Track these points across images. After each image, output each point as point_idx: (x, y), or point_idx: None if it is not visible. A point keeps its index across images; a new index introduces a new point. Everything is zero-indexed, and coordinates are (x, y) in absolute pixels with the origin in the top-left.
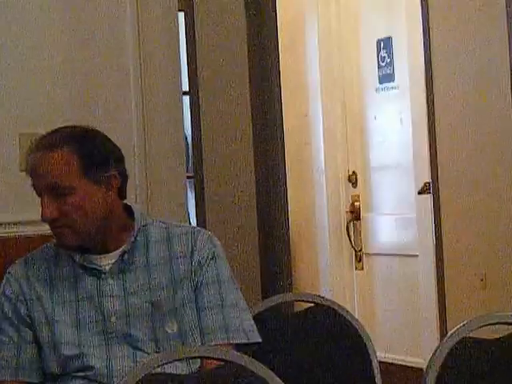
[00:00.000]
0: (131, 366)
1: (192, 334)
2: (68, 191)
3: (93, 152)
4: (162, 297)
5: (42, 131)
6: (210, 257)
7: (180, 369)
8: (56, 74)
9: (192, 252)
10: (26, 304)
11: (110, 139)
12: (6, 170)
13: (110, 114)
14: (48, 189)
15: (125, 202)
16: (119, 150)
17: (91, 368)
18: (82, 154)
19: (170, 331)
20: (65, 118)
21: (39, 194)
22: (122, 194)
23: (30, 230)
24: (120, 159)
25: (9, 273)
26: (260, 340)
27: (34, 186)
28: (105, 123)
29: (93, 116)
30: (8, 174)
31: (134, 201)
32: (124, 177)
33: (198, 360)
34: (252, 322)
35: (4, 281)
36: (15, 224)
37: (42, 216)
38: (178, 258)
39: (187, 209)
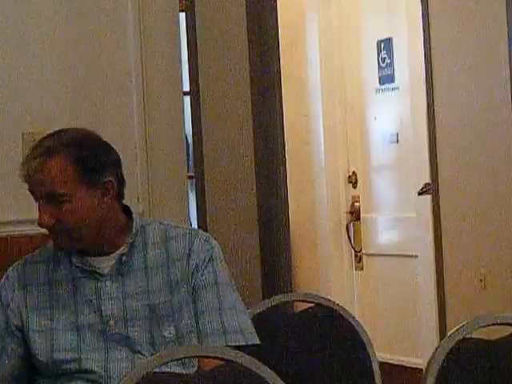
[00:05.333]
0: (129, 369)
1: (189, 338)
2: (64, 198)
3: (88, 158)
4: (159, 300)
5: (44, 131)
6: (207, 259)
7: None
8: (58, 74)
9: (189, 254)
10: (18, 314)
11: (105, 142)
12: (9, 168)
13: (111, 114)
14: (45, 196)
15: (123, 202)
16: (115, 154)
17: (88, 371)
18: (78, 161)
19: (167, 334)
20: (66, 118)
21: (36, 200)
22: (119, 197)
23: (31, 229)
24: (116, 163)
25: (6, 277)
26: (258, 342)
27: (31, 191)
28: (106, 124)
29: (94, 116)
30: (10, 173)
31: (136, 201)
32: (121, 180)
33: (195, 363)
34: (250, 323)
35: (1, 284)
36: (17, 223)
37: (38, 223)
38: (175, 261)
39: (188, 208)
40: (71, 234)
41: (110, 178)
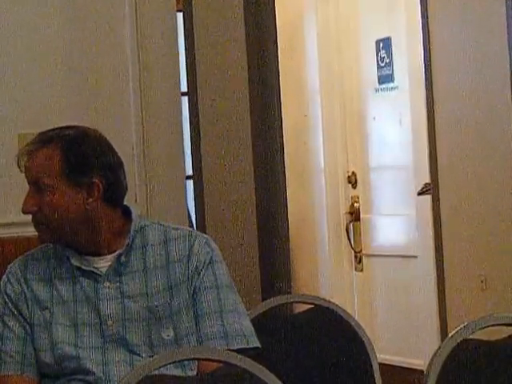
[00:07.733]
0: (127, 371)
1: (188, 340)
2: (47, 188)
3: (77, 155)
4: (158, 302)
5: None
6: (207, 262)
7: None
8: (55, 74)
9: (189, 256)
10: (27, 305)
11: (105, 146)
12: (6, 170)
13: (108, 114)
14: (32, 183)
15: (125, 204)
16: (111, 158)
17: (87, 371)
18: (66, 156)
19: (165, 337)
20: (64, 119)
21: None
22: (112, 200)
23: (29, 231)
24: (107, 167)
25: (9, 272)
26: (259, 345)
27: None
28: (104, 124)
29: (92, 117)
30: (7, 175)
31: (134, 201)
32: (114, 184)
33: (194, 366)
34: (251, 326)
35: (5, 279)
36: (15, 225)
37: (22, 208)
38: (174, 262)
39: (188, 209)
40: (50, 227)
41: (96, 180)
